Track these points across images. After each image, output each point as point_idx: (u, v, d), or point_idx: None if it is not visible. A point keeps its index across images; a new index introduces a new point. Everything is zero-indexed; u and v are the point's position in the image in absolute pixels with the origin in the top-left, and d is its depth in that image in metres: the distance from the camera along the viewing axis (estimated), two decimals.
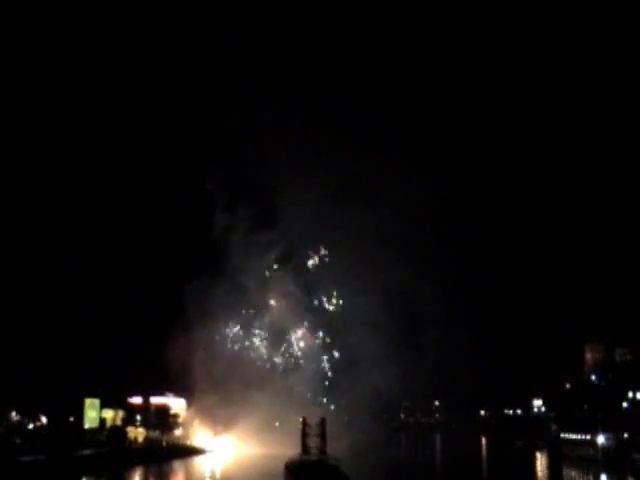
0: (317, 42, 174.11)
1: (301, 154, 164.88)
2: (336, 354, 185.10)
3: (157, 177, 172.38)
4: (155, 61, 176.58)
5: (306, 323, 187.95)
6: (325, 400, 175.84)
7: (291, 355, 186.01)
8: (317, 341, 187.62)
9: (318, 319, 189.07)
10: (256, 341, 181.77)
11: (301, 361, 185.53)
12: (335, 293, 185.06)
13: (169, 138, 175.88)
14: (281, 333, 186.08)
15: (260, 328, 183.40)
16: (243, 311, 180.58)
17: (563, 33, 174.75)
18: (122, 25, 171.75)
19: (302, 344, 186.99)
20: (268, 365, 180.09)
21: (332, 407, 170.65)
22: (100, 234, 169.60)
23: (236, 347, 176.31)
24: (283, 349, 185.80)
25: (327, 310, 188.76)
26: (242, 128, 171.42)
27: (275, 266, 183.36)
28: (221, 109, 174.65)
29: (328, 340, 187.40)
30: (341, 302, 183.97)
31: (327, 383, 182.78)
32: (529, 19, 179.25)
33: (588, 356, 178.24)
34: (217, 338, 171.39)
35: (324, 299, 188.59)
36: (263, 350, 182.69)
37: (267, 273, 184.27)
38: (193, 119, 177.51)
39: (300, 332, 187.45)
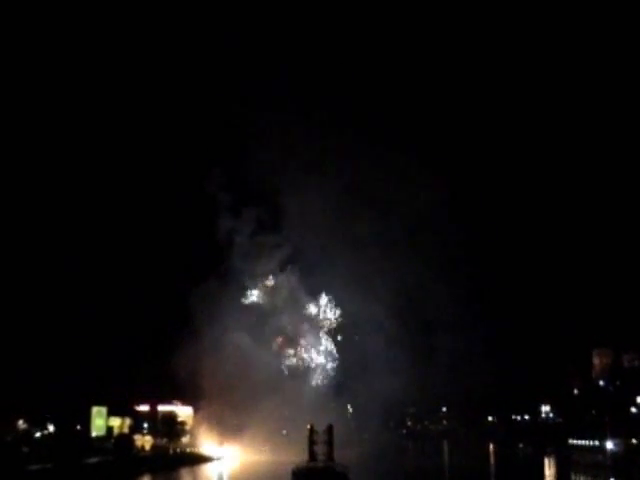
0: (319, 41, 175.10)
1: (305, 155, 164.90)
2: (344, 360, 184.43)
3: (159, 179, 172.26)
4: (156, 62, 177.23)
5: (313, 328, 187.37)
6: (333, 407, 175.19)
7: (299, 361, 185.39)
8: (325, 347, 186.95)
9: (326, 324, 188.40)
10: (263, 347, 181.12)
11: (310, 367, 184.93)
12: (343, 297, 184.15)
13: (171, 139, 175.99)
14: (288, 338, 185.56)
15: (267, 333, 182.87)
16: (249, 316, 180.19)
17: (564, 31, 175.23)
18: (122, 24, 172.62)
19: (310, 350, 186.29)
20: (276, 371, 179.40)
21: (340, 414, 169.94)
22: (104, 241, 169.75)
23: (243, 353, 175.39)
24: (290, 355, 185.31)
25: (335, 314, 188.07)
26: (245, 129, 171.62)
27: (281, 269, 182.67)
28: (223, 110, 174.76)
29: (336, 345, 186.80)
30: (349, 306, 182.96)
31: (335, 390, 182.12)
32: (532, 16, 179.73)
33: (596, 361, 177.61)
34: (224, 344, 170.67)
35: (331, 303, 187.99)
36: (270, 356, 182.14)
37: (272, 277, 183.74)
38: (195, 120, 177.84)
39: (307, 337, 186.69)
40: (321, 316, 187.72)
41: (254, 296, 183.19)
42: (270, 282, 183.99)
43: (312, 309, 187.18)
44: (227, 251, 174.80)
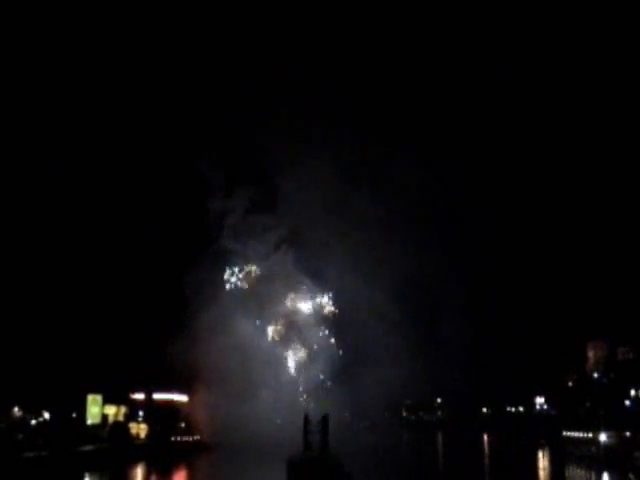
0: (318, 26, 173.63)
1: (303, 134, 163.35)
2: (340, 348, 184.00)
3: (149, 161, 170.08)
4: (150, 45, 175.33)
5: (309, 313, 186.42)
6: (329, 396, 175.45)
7: (295, 347, 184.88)
8: (322, 333, 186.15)
9: (323, 310, 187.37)
10: (259, 333, 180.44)
11: (305, 353, 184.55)
12: (341, 282, 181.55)
13: (162, 120, 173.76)
14: (285, 324, 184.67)
15: (263, 318, 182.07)
16: (245, 301, 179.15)
17: (565, 30, 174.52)
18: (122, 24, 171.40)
19: (306, 336, 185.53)
20: (272, 358, 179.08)
21: (336, 403, 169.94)
22: (96, 228, 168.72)
23: (239, 339, 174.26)
24: (287, 342, 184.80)
25: (333, 301, 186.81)
26: (240, 107, 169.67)
27: (275, 251, 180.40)
28: (217, 90, 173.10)
29: (333, 333, 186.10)
30: (347, 292, 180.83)
31: (332, 378, 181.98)
32: (534, 14, 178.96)
33: (591, 354, 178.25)
34: (220, 330, 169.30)
35: (329, 292, 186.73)
36: (267, 343, 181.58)
37: (267, 259, 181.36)
38: (187, 99, 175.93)
39: (304, 323, 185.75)
40: (318, 301, 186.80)
41: (249, 280, 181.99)
42: (265, 265, 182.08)
43: (310, 292, 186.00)
44: (220, 233, 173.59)
